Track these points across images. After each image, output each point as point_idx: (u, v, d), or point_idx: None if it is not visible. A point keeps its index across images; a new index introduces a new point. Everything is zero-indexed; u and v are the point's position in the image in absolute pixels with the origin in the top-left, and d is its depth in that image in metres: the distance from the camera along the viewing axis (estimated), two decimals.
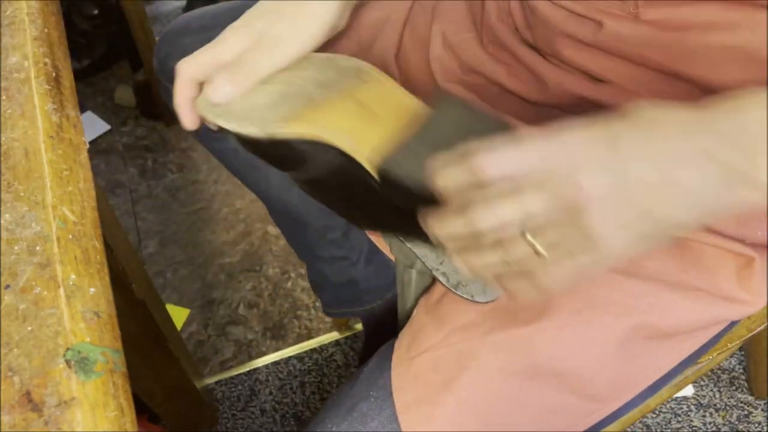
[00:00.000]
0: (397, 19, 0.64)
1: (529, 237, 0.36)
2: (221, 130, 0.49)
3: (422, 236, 0.43)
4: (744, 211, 0.35)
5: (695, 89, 0.45)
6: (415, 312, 0.54)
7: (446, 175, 0.37)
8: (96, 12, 1.63)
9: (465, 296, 0.50)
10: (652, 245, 0.36)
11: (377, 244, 0.68)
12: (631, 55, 0.46)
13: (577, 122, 0.35)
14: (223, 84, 0.48)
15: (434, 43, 0.61)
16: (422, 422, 0.47)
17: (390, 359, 0.51)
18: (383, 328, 0.95)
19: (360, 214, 0.50)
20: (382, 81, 0.50)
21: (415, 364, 0.49)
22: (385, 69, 0.60)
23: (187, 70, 0.49)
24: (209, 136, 0.74)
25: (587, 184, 0.33)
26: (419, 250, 0.52)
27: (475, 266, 0.39)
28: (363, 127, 0.46)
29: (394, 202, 0.44)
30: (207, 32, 0.66)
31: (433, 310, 0.52)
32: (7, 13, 0.46)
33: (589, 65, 0.49)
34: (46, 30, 0.45)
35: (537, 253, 0.36)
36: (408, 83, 0.63)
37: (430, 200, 0.40)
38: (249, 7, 0.55)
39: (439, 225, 0.38)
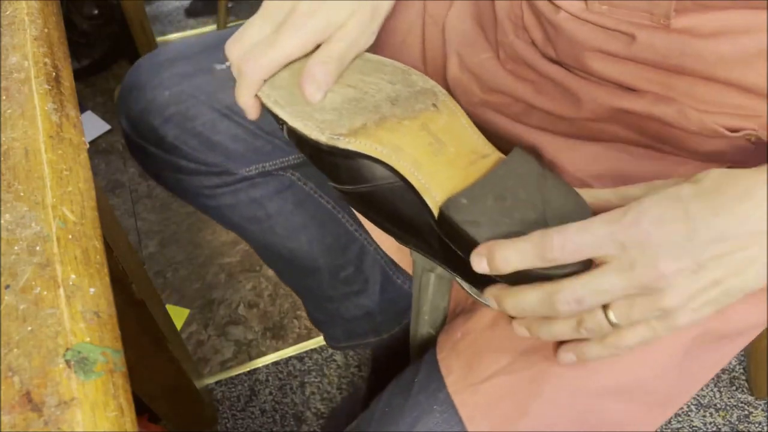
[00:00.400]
0: (413, 42, 0.63)
1: (604, 310, 0.37)
2: (277, 120, 0.47)
3: (466, 274, 0.44)
4: None
5: (732, 90, 0.45)
6: (460, 334, 0.52)
7: (516, 252, 0.38)
8: (96, 12, 1.63)
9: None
10: (721, 308, 0.38)
11: (393, 257, 0.68)
12: (665, 64, 0.46)
13: (646, 196, 0.36)
14: (315, 86, 0.46)
15: (451, 65, 0.59)
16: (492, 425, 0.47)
17: (439, 371, 0.51)
18: (393, 353, 0.94)
19: (401, 234, 0.48)
20: (455, 112, 0.48)
21: (482, 390, 0.48)
22: None
23: (256, 72, 0.46)
24: (204, 194, 0.72)
25: (665, 267, 0.35)
26: (458, 279, 0.50)
27: (543, 335, 0.41)
28: (431, 159, 0.45)
29: (448, 242, 0.43)
30: (188, 67, 0.65)
31: (487, 335, 0.50)
32: (7, 13, 0.46)
33: (620, 77, 0.48)
34: (46, 30, 0.45)
35: (610, 322, 0.38)
36: None
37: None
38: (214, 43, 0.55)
39: (512, 301, 0.40)
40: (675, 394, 0.51)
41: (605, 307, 0.38)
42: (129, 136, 0.70)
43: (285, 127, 0.47)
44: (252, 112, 0.50)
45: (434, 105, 0.48)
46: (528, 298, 0.39)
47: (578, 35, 0.48)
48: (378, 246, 0.83)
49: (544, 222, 0.41)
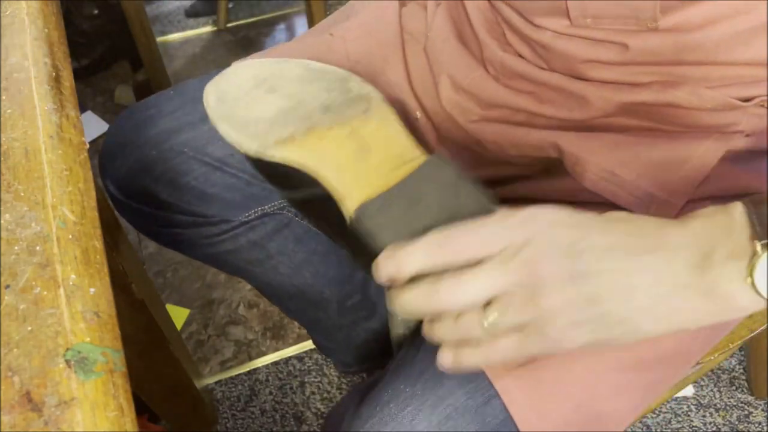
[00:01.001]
0: (396, 62, 0.62)
1: (482, 312, 0.37)
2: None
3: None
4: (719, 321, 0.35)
5: (737, 66, 0.45)
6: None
7: (411, 259, 0.38)
8: (96, 12, 1.63)
9: None
10: (610, 344, 0.37)
11: None
12: (663, 61, 0.46)
13: (548, 205, 0.36)
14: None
15: (443, 87, 0.59)
16: (508, 370, 0.46)
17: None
18: None
19: (339, 240, 0.50)
20: (387, 117, 0.49)
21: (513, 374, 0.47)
22: (400, 100, 0.59)
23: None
24: (202, 244, 0.71)
25: (546, 266, 0.35)
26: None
27: (432, 336, 0.40)
28: (354, 166, 0.46)
29: (363, 248, 0.44)
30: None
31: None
32: (7, 13, 0.46)
33: (620, 78, 0.48)
34: (46, 30, 0.45)
35: (487, 319, 0.36)
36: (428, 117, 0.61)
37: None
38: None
39: (400, 300, 0.39)
40: (694, 354, 0.52)
41: (486, 306, 0.37)
42: (116, 198, 0.68)
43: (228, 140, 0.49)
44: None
45: (366, 110, 0.49)
46: (414, 296, 0.38)
47: (569, 50, 0.48)
48: None
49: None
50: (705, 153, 0.48)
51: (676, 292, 0.34)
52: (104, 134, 1.59)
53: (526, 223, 0.36)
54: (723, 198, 0.42)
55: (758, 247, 0.33)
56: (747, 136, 0.49)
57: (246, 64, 0.54)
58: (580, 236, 0.35)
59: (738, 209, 0.34)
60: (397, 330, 0.63)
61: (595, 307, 0.35)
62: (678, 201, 0.49)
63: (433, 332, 0.40)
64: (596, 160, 0.50)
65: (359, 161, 0.46)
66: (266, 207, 0.69)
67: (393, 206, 0.43)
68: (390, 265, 0.39)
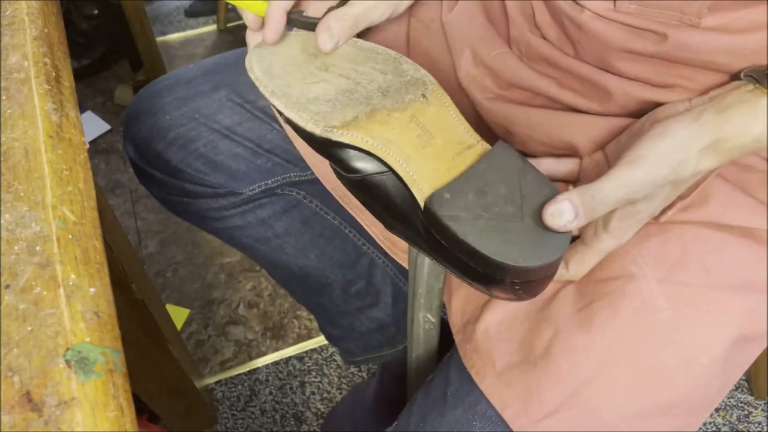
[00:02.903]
0: (399, 47, 0.63)
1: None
2: (276, 108, 0.48)
3: (451, 263, 0.46)
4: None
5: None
6: (505, 363, 0.52)
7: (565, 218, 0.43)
8: (96, 12, 1.63)
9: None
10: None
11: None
12: (695, 61, 0.46)
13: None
14: (327, 35, 0.49)
15: (463, 61, 0.59)
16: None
17: (472, 382, 0.51)
18: (401, 364, 0.95)
19: (393, 223, 0.50)
20: (444, 104, 0.49)
21: (543, 424, 0.48)
22: None
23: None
24: (212, 217, 0.73)
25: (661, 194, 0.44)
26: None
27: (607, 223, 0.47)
28: (419, 152, 0.46)
29: (433, 233, 0.45)
30: (191, 90, 0.66)
31: (541, 364, 0.50)
32: (7, 13, 0.46)
33: (647, 75, 0.48)
34: (46, 30, 0.45)
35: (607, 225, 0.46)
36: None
37: (470, 251, 0.42)
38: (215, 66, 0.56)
39: (579, 266, 0.48)
40: (713, 399, 0.52)
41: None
42: (136, 164, 0.72)
43: (282, 116, 0.48)
44: (272, 32, 0.51)
45: (423, 95, 0.49)
46: (587, 255, 0.47)
47: (604, 35, 0.48)
48: (387, 258, 0.83)
49: (520, 216, 0.43)
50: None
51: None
52: (106, 132, 1.60)
53: (656, 168, 0.42)
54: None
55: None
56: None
57: (289, 35, 0.53)
58: (684, 159, 0.43)
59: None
60: (419, 313, 0.64)
61: (678, 189, 0.45)
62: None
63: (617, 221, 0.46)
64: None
65: (423, 147, 0.47)
66: (270, 181, 0.71)
67: (463, 194, 0.44)
68: (587, 213, 0.43)
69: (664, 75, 0.47)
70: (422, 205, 0.45)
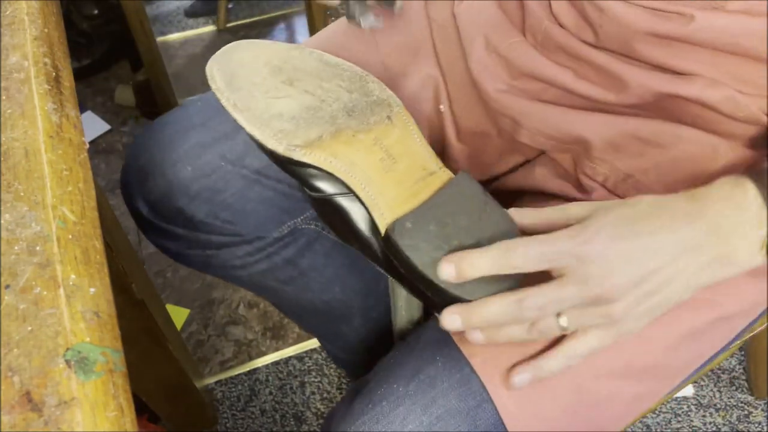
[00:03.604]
0: (426, 50, 0.62)
1: (556, 315, 0.41)
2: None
3: (407, 285, 0.46)
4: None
5: None
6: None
7: (484, 258, 0.41)
8: (96, 12, 1.63)
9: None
10: (654, 317, 0.42)
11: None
12: (718, 44, 0.45)
13: (594, 216, 0.40)
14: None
15: (475, 48, 0.58)
16: (501, 376, 0.48)
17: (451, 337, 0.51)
18: None
19: (356, 245, 0.49)
20: (409, 127, 0.49)
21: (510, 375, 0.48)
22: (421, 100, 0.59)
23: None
24: (236, 265, 0.68)
25: (616, 280, 0.39)
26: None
27: (500, 338, 0.43)
28: (381, 176, 0.46)
29: (392, 258, 0.45)
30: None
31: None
32: (7, 13, 0.46)
33: (669, 60, 0.47)
34: (46, 30, 0.45)
35: (561, 326, 0.41)
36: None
37: (427, 282, 0.42)
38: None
39: (480, 313, 0.42)
40: (682, 370, 0.53)
41: (558, 313, 0.41)
42: (148, 221, 0.64)
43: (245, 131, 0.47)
44: None
45: (389, 117, 0.49)
46: (495, 308, 0.41)
47: (628, 18, 0.47)
48: None
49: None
50: (724, 169, 0.49)
51: (708, 265, 0.40)
52: (106, 132, 1.60)
53: (592, 241, 0.39)
54: None
55: None
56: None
57: (254, 44, 0.51)
58: (638, 246, 0.39)
59: (751, 190, 0.39)
60: (401, 324, 0.63)
61: (654, 297, 0.40)
62: None
63: (500, 337, 0.43)
64: (620, 164, 0.52)
65: (386, 171, 0.46)
66: (298, 219, 0.67)
67: (424, 224, 0.43)
68: (451, 269, 0.41)
69: (685, 60, 0.47)
70: (383, 231, 0.44)
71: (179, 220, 0.62)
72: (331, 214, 0.48)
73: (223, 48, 0.51)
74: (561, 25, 0.53)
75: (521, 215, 0.45)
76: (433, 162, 0.48)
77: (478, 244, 0.42)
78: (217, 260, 0.67)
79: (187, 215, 0.61)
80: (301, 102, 0.48)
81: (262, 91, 0.48)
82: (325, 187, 0.46)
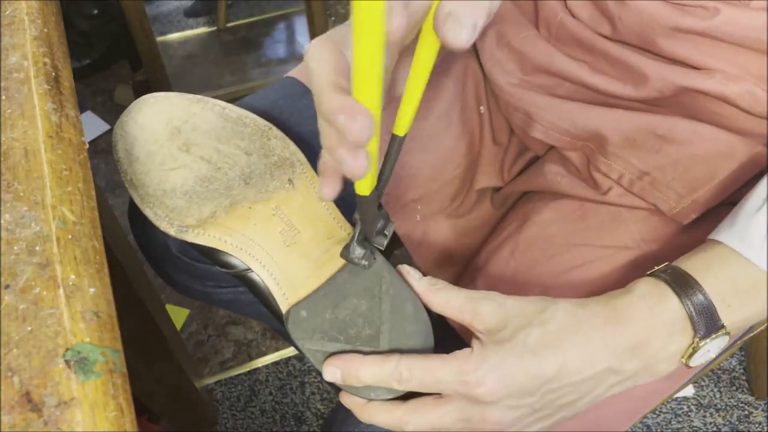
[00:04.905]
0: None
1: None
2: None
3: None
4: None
5: None
6: None
7: (373, 372, 0.39)
8: (96, 12, 1.63)
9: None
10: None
11: None
12: (739, 39, 0.45)
13: (495, 341, 0.38)
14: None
15: (486, 42, 0.57)
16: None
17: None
18: None
19: (276, 322, 0.47)
20: (312, 189, 0.46)
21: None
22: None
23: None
24: (246, 300, 0.66)
25: (501, 419, 0.38)
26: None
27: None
28: (283, 251, 0.43)
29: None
30: None
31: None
32: (7, 13, 0.46)
33: (690, 55, 0.47)
34: (46, 30, 0.45)
35: None
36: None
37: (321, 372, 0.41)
38: None
39: (365, 416, 0.41)
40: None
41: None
42: (176, 257, 0.60)
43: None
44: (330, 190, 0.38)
45: (290, 181, 0.46)
46: (379, 418, 0.41)
47: (650, 11, 0.47)
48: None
49: (377, 342, 0.41)
50: (741, 168, 0.48)
51: (619, 385, 0.40)
52: (106, 132, 1.60)
53: (482, 382, 0.37)
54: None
55: (696, 340, 0.38)
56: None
57: (159, 99, 0.48)
58: (533, 381, 0.37)
59: (673, 302, 0.38)
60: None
61: (548, 420, 0.40)
62: (703, 208, 0.49)
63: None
64: (636, 161, 0.51)
65: (288, 244, 0.43)
66: None
67: (320, 312, 0.41)
68: (337, 374, 0.40)
69: (706, 55, 0.46)
70: (284, 311, 0.42)
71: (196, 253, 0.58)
72: (252, 288, 0.45)
73: (130, 106, 0.48)
74: (576, 18, 0.52)
75: (429, 296, 0.41)
76: (340, 227, 0.45)
77: (376, 334, 0.40)
78: (246, 297, 0.65)
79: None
80: (197, 172, 0.45)
81: (158, 162, 0.45)
82: (236, 262, 0.44)
